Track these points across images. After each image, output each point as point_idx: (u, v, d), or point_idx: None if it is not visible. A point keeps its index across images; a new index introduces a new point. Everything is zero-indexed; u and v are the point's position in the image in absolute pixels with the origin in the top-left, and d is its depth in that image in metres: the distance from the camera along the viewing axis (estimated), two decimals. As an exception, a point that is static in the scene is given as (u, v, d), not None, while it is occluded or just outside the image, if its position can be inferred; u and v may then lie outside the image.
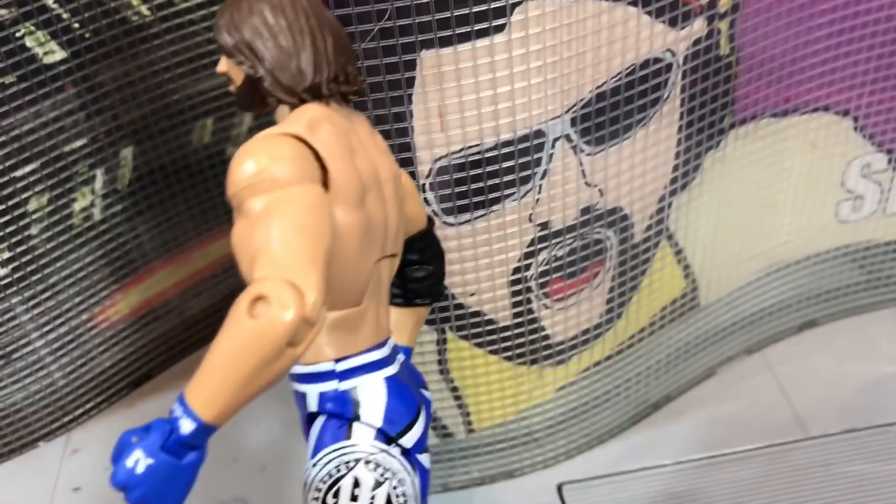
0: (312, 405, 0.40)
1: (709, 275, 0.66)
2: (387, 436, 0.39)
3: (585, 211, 0.55)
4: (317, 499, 0.39)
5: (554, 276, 0.57)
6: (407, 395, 0.39)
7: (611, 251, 0.59)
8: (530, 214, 0.52)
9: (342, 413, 0.39)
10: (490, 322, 0.57)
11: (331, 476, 0.38)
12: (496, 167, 0.50)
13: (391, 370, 0.40)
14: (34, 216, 0.65)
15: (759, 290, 0.70)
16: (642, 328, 0.64)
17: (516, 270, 0.55)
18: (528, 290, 0.57)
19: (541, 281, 0.56)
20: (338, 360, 0.38)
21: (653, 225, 0.61)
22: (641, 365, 0.66)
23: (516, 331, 0.58)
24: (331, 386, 0.39)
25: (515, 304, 0.57)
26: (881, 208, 0.69)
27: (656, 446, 0.66)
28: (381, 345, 0.40)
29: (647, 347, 0.65)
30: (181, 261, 0.75)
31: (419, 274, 0.43)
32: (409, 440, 0.39)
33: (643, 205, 0.59)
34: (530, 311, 0.58)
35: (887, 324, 0.73)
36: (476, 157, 0.50)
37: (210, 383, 0.34)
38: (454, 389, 0.60)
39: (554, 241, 0.54)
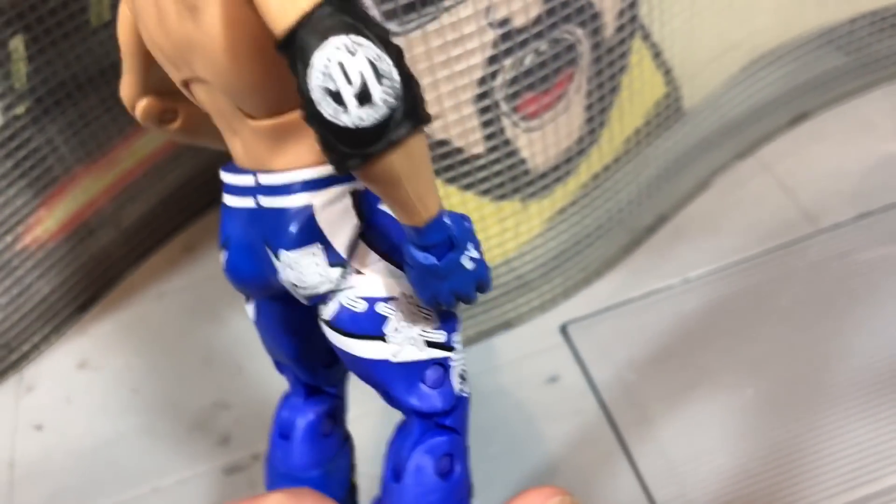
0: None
1: (690, 73, 0.59)
2: None
3: (550, 8, 0.48)
4: None
5: (524, 88, 0.50)
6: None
7: (582, 54, 0.52)
8: (487, 8, 0.45)
9: None
10: (460, 151, 0.50)
11: None
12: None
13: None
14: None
15: (744, 88, 0.64)
16: (627, 140, 0.58)
17: (481, 82, 0.48)
18: (497, 107, 0.50)
19: (510, 95, 0.50)
20: None
21: (625, 23, 0.54)
22: (631, 185, 0.60)
23: (491, 157, 0.51)
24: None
25: (486, 125, 0.50)
26: (863, -27, 0.63)
27: (659, 268, 0.60)
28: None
29: (634, 164, 0.59)
30: (106, 163, 0.67)
31: None
32: None
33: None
34: (503, 134, 0.51)
35: (881, 103, 0.68)
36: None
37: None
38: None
39: (518, 40, 0.47)
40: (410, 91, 0.21)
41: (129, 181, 0.69)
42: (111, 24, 0.64)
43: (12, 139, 0.61)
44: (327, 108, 0.21)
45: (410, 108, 0.21)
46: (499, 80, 0.49)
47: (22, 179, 0.62)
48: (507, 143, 0.52)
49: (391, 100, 0.21)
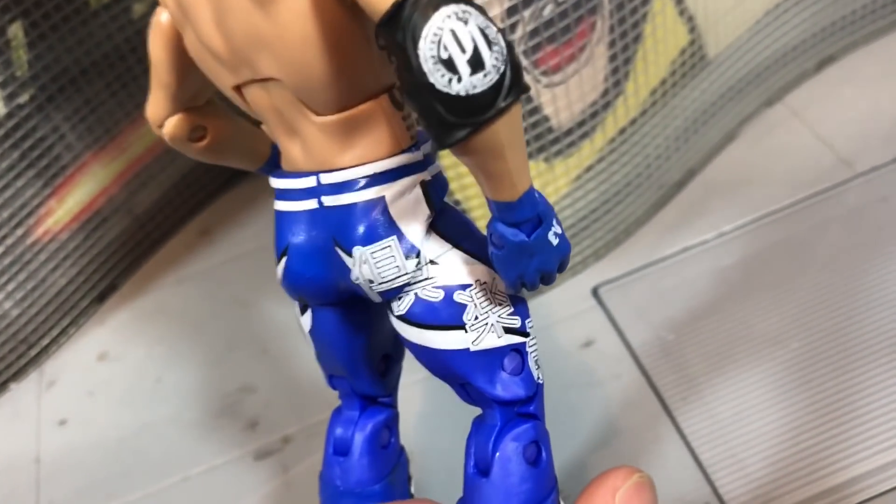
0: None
1: (713, 20, 0.57)
2: None
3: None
4: None
5: (544, 40, 0.48)
6: None
7: (603, 2, 0.50)
8: (503, -44, 0.43)
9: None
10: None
11: None
12: None
13: None
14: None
15: (768, 32, 0.62)
16: (653, 92, 0.55)
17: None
18: (518, 63, 0.48)
19: (530, 48, 0.48)
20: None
21: (644, -32, 0.51)
22: (658, 139, 0.58)
23: (513, 116, 0.49)
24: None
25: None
26: None
27: (692, 223, 0.58)
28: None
29: (661, 117, 0.57)
30: (115, 149, 0.66)
31: None
32: None
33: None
34: (525, 90, 0.49)
35: (911, 41, 0.65)
36: None
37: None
38: (457, 203, 0.52)
39: (536, -10, 0.45)
40: (514, 58, 0.21)
41: (139, 167, 0.67)
42: (111, 6, 0.62)
43: (17, 129, 0.59)
44: (440, 78, 0.20)
45: (515, 76, 0.21)
46: (518, 33, 0.47)
47: (30, 170, 0.61)
48: (528, 100, 0.50)
49: (501, 66, 0.20)
